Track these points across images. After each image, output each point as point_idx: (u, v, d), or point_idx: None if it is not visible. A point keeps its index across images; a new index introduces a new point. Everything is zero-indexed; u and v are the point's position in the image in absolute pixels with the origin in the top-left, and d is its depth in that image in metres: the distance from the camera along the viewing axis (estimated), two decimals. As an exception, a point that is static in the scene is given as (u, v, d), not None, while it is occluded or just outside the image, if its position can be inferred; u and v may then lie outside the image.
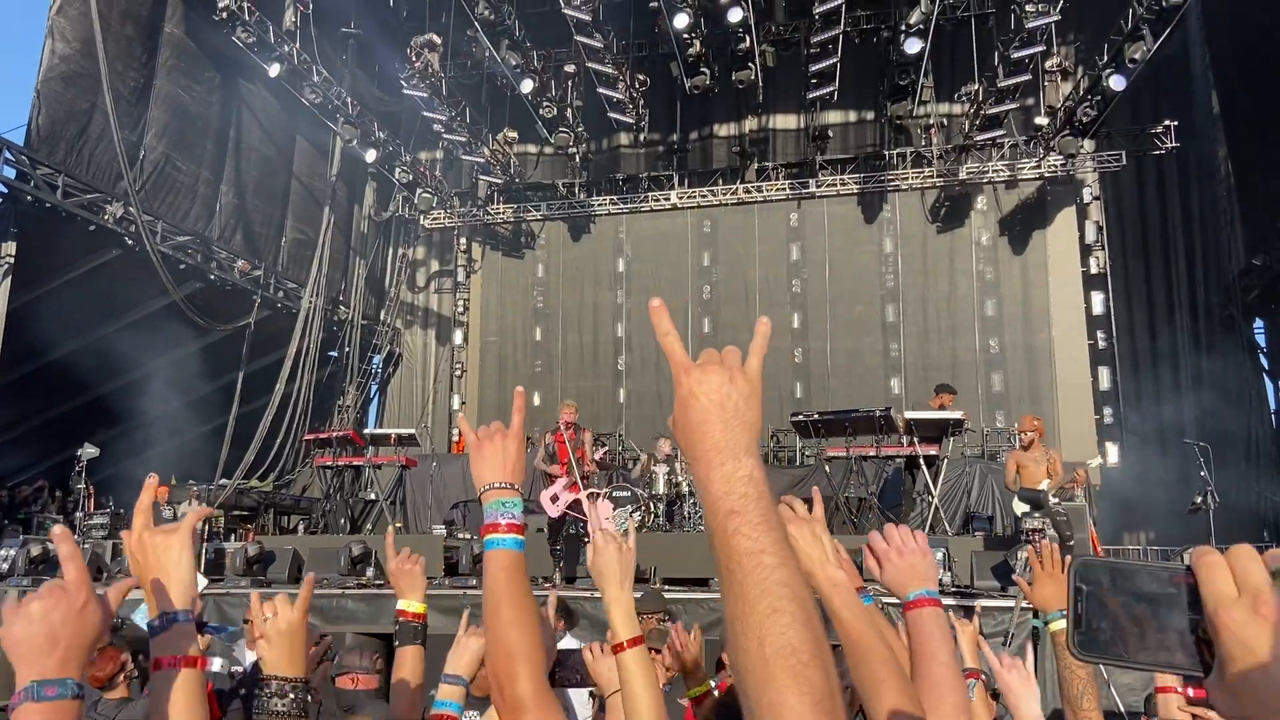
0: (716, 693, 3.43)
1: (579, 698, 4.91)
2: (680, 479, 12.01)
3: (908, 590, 1.75)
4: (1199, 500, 11.02)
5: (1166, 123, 17.30)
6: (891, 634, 1.78)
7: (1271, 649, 0.67)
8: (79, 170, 14.52)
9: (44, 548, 9.37)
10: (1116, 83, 15.18)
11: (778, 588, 0.92)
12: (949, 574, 8.62)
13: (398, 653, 2.50)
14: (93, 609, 1.24)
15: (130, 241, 15.14)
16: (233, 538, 14.93)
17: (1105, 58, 15.52)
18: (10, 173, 13.59)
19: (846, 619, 1.65)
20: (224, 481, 16.17)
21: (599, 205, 20.91)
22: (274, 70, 15.99)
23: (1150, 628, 0.75)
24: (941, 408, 11.90)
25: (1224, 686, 0.70)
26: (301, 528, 16.32)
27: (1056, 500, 9.15)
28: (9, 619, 1.23)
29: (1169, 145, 17.33)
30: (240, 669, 6.01)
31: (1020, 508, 9.50)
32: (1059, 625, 2.36)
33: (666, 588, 8.61)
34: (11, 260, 13.50)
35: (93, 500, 13.88)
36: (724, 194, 20.19)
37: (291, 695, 1.74)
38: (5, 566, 9.16)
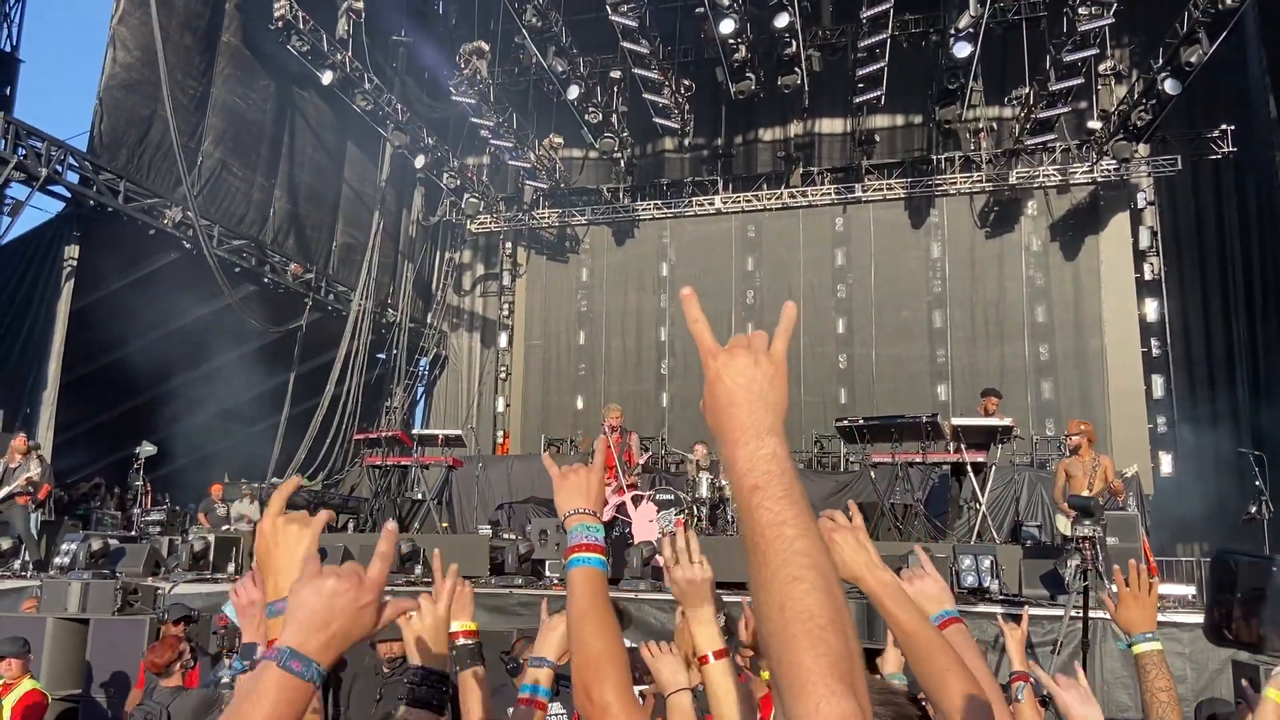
0: None
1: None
2: (723, 483, 12.04)
3: (930, 614, 1.84)
4: (1253, 510, 10.78)
5: (1223, 127, 16.96)
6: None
7: None
8: (139, 176, 14.92)
9: (104, 543, 9.64)
10: (1171, 86, 14.92)
11: (798, 557, 0.96)
12: (996, 582, 8.52)
13: (460, 678, 2.46)
14: (371, 611, 1.25)
15: (188, 245, 15.52)
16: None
17: (1160, 61, 15.26)
18: (74, 178, 14.01)
19: (900, 617, 1.69)
20: (276, 480, 16.47)
21: (643, 210, 20.98)
22: (326, 78, 16.30)
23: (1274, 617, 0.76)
24: (986, 411, 11.76)
25: None
26: (351, 526, 16.58)
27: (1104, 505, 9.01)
28: (307, 579, 1.24)
29: (1225, 150, 16.99)
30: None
31: (1063, 522, 9.36)
32: (1144, 648, 2.30)
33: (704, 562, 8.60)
34: (74, 263, 13.92)
35: (150, 497, 14.22)
36: (769, 199, 20.16)
37: (435, 685, 1.93)
38: (67, 561, 9.42)
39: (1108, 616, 7.43)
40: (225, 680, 5.73)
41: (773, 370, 1.10)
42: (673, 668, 2.21)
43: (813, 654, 0.91)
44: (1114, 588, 2.41)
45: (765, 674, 3.37)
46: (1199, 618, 7.88)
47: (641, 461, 11.07)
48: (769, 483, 1.01)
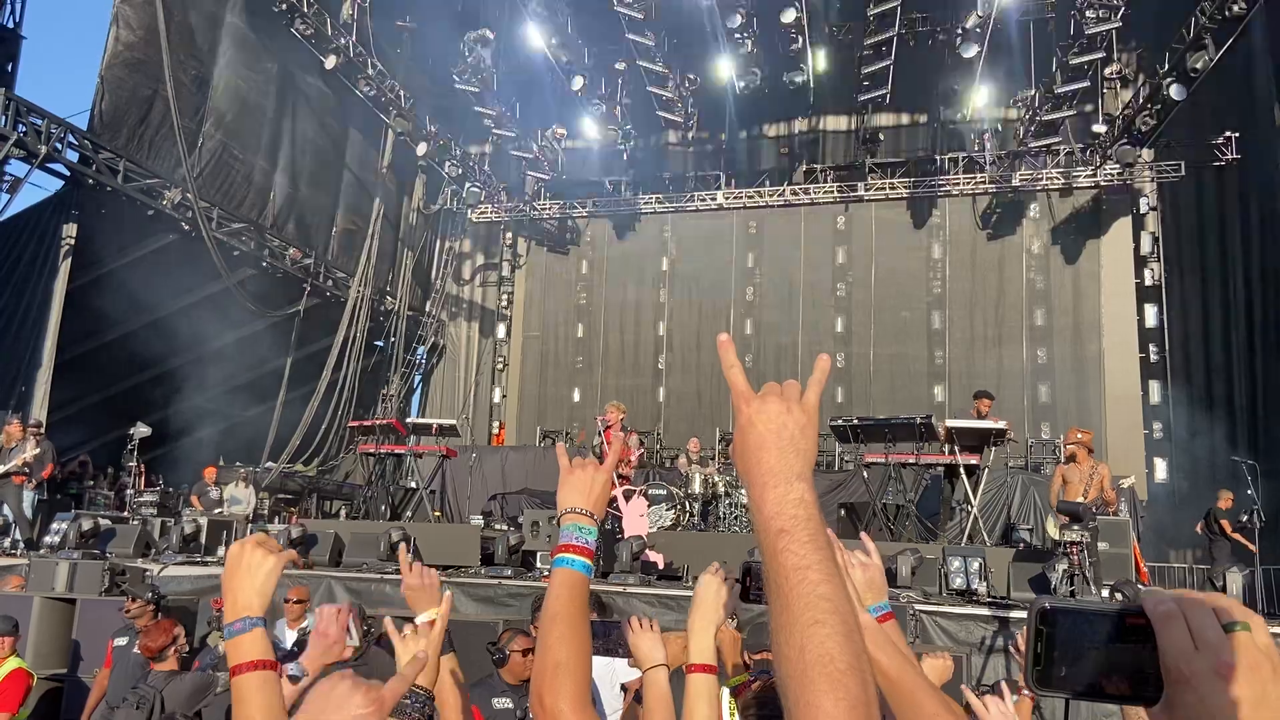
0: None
1: (610, 693, 4.95)
2: (716, 479, 12.03)
3: (868, 605, 1.84)
4: (1245, 519, 10.81)
5: (1227, 134, 16.92)
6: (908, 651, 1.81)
7: (1225, 707, 0.73)
8: (139, 156, 14.87)
9: (95, 522, 9.62)
10: (1177, 92, 14.89)
11: (820, 601, 0.97)
12: (985, 584, 8.52)
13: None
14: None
15: (187, 227, 15.48)
16: (276, 520, 15.20)
17: (1166, 66, 15.22)
18: (73, 156, 13.96)
19: (882, 662, 1.68)
20: (270, 464, 16.48)
21: (645, 203, 20.94)
22: (330, 62, 16.25)
23: (1103, 666, 0.80)
24: (979, 413, 11.75)
25: None
26: (344, 513, 16.59)
27: (1095, 512, 9.00)
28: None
29: (1229, 157, 16.95)
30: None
31: (1053, 526, 9.36)
32: None
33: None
34: (72, 242, 13.87)
35: (143, 478, 14.22)
36: (771, 195, 20.12)
37: (418, 701, 2.01)
38: (57, 540, 9.41)
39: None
40: (222, 675, 5.73)
41: (804, 419, 1.13)
42: (652, 643, 2.22)
43: (832, 698, 0.92)
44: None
45: (730, 682, 3.37)
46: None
47: (635, 457, 11.05)
48: (795, 527, 1.02)
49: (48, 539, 9.69)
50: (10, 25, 13.79)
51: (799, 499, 1.05)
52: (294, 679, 2.13)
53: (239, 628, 1.64)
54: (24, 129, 13.08)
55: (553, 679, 1.58)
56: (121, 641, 5.96)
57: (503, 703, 4.84)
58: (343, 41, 16.38)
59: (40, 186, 14.54)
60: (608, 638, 2.56)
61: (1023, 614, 8.04)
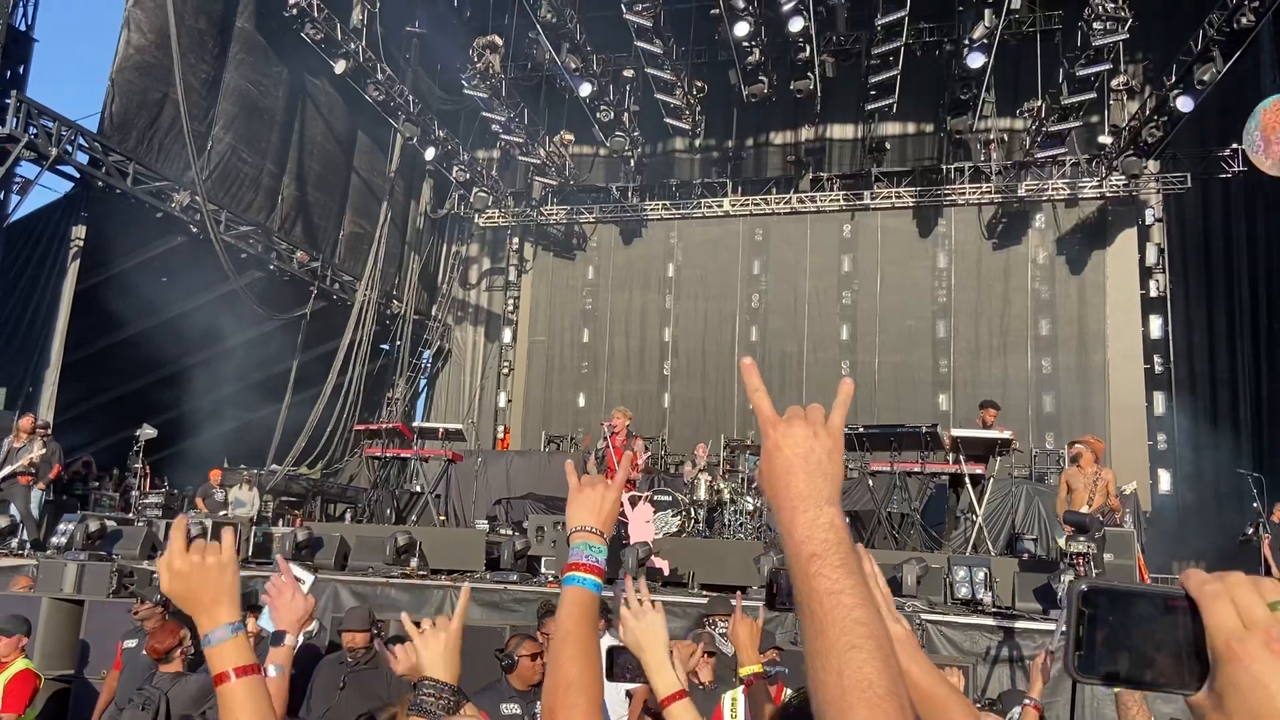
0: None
1: (615, 696, 4.96)
2: (721, 486, 12.04)
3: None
4: (1250, 532, 10.79)
5: (1234, 146, 16.92)
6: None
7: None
8: (149, 158, 14.93)
9: (101, 524, 9.66)
10: (1184, 104, 14.91)
11: (856, 626, 0.96)
12: (990, 594, 8.53)
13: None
14: None
15: (195, 229, 15.53)
16: (280, 523, 15.23)
17: (1173, 78, 15.24)
18: (83, 158, 14.03)
19: (915, 674, 1.68)
20: (275, 467, 16.50)
21: (651, 210, 20.99)
22: (339, 67, 16.30)
23: (1145, 649, 0.79)
24: (985, 423, 11.77)
25: (1220, 709, 0.74)
26: (349, 516, 16.61)
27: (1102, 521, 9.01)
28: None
29: (1236, 169, 16.96)
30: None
31: (1063, 537, 9.35)
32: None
33: (704, 594, 8.63)
34: (81, 243, 13.92)
35: (148, 480, 14.25)
36: (777, 203, 20.16)
37: (443, 696, 1.98)
38: (64, 541, 9.44)
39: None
40: None
41: (831, 443, 1.13)
42: (645, 629, 2.24)
43: None
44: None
45: (744, 670, 3.37)
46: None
47: (641, 462, 11.07)
48: (827, 551, 1.02)
49: (54, 540, 9.72)
50: (22, 28, 13.86)
51: (829, 523, 1.05)
52: (277, 671, 2.09)
53: (218, 636, 1.62)
54: (35, 131, 13.15)
55: (565, 696, 1.59)
56: (131, 644, 5.99)
57: (510, 708, 4.86)
58: (352, 46, 16.44)
59: (50, 188, 14.62)
60: (617, 664, 2.59)
61: (1028, 624, 8.04)
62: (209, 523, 10.74)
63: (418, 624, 2.09)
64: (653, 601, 2.13)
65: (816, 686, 0.96)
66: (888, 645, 0.97)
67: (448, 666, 2.01)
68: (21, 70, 13.79)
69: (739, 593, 4.28)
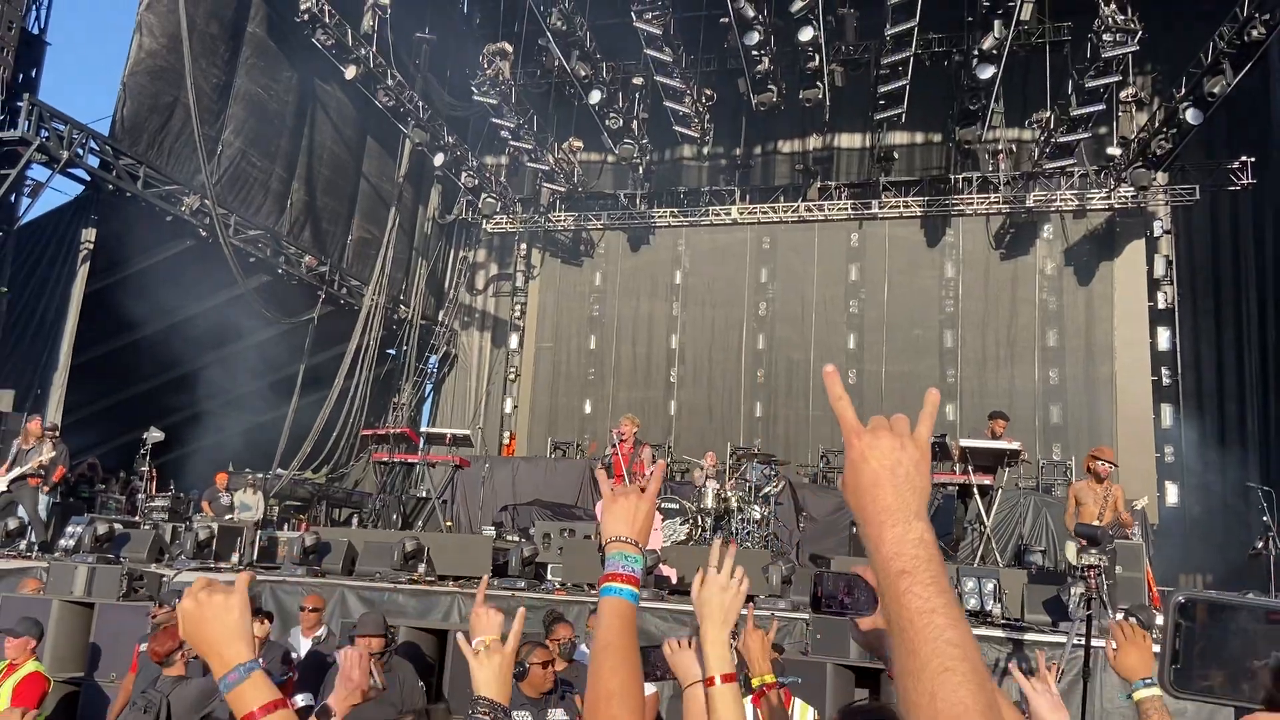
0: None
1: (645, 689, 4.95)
2: (729, 494, 12.02)
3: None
4: (1260, 545, 10.74)
5: (1243, 159, 16.93)
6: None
7: None
8: (159, 162, 14.98)
9: (110, 527, 9.66)
10: (1193, 116, 14.90)
11: (949, 647, 0.95)
12: (999, 606, 8.50)
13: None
14: None
15: (204, 233, 15.57)
16: (285, 527, 15.23)
17: (1183, 90, 15.24)
18: (94, 162, 14.07)
19: (999, 702, 1.67)
20: (280, 471, 16.50)
21: (659, 217, 21.02)
22: (350, 72, 16.36)
23: (1244, 663, 0.76)
24: (994, 434, 11.74)
25: None
26: (355, 521, 16.61)
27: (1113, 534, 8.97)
28: None
29: (1245, 182, 16.95)
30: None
31: (1071, 550, 9.31)
32: (1145, 694, 2.35)
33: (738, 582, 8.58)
34: (91, 246, 13.97)
35: (155, 483, 14.25)
36: (785, 211, 20.18)
37: (494, 715, 1.97)
38: (72, 544, 9.45)
39: (1109, 646, 7.42)
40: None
41: (919, 455, 1.11)
42: (690, 660, 2.22)
43: None
44: (1112, 643, 2.47)
45: (755, 681, 3.34)
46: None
47: (648, 474, 11.03)
48: (917, 568, 1.01)
49: (63, 542, 9.73)
50: (35, 31, 13.92)
51: (919, 538, 1.03)
52: (306, 710, 2.10)
53: (234, 679, 1.55)
54: (46, 134, 13.19)
55: (608, 707, 1.59)
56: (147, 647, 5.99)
57: (522, 715, 4.86)
58: (363, 52, 16.50)
59: (61, 191, 14.71)
60: (648, 662, 2.58)
61: (1037, 637, 8.02)
62: (215, 526, 10.74)
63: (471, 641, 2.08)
64: (738, 575, 2.00)
65: (908, 707, 0.95)
66: (982, 669, 0.96)
67: (501, 687, 2.01)
68: (34, 73, 13.85)
69: (750, 603, 4.26)
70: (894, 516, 1.05)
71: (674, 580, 9.45)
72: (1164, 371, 17.67)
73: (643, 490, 1.78)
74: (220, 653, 1.57)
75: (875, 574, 1.05)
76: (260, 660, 1.62)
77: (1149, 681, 2.36)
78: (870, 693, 6.63)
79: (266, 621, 5.96)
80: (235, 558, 10.50)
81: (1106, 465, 9.33)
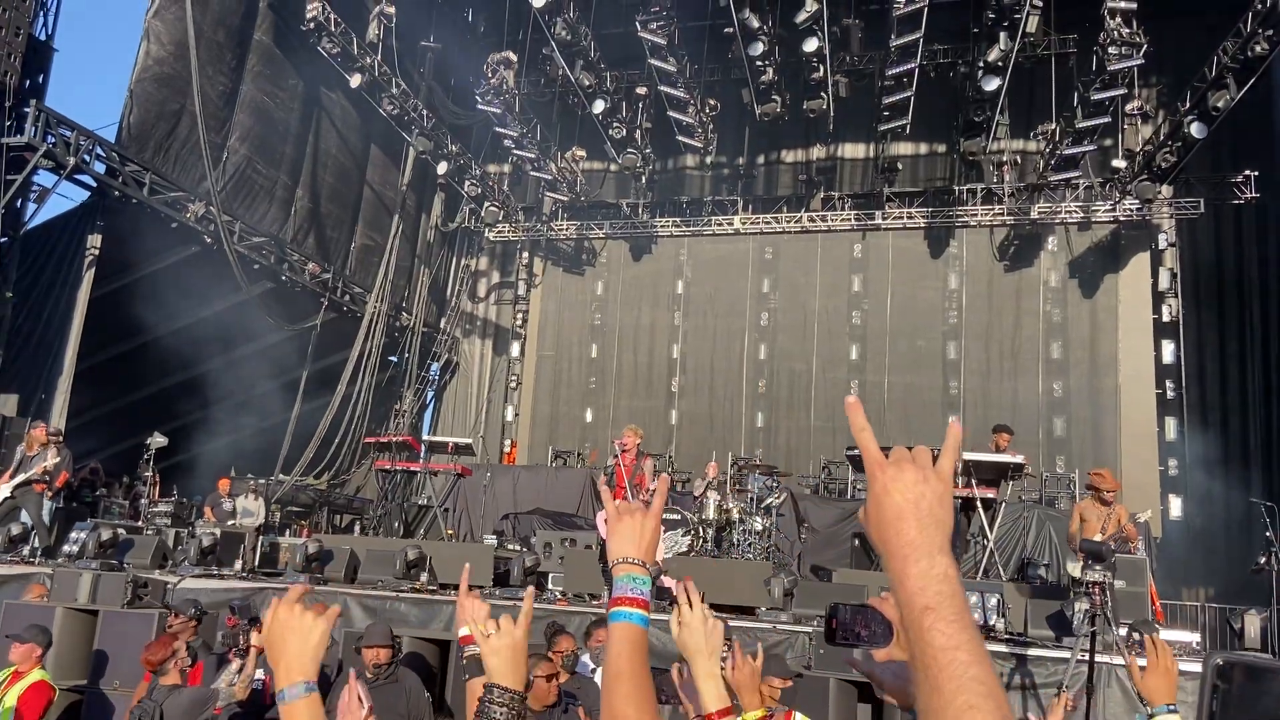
0: None
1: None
2: (730, 505, 11.99)
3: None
4: (1263, 561, 10.71)
5: (1247, 172, 16.95)
6: None
7: None
8: (165, 169, 15.02)
9: (114, 533, 9.66)
10: (1198, 130, 14.92)
11: (973, 684, 0.95)
12: (1002, 620, 8.49)
13: (468, 685, 2.37)
14: None
15: (209, 240, 15.61)
16: (287, 533, 15.24)
17: (1188, 104, 15.27)
18: (100, 168, 14.12)
19: None
20: (283, 477, 16.51)
21: (661, 226, 21.05)
22: (355, 81, 16.40)
23: None
24: (998, 447, 11.73)
25: None
26: (356, 528, 16.61)
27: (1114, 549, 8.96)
28: None
29: (1248, 195, 16.97)
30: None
31: (1074, 565, 9.30)
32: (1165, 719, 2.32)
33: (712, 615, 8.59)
34: (96, 252, 13.99)
35: (158, 488, 14.26)
36: (788, 221, 20.20)
37: (510, 705, 1.88)
38: (76, 549, 9.45)
39: (1114, 661, 7.39)
40: (222, 686, 5.76)
41: (942, 488, 1.10)
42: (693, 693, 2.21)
43: None
44: (1142, 661, 2.41)
45: (748, 716, 3.34)
46: (1199, 667, 7.83)
47: (653, 487, 11.02)
48: (942, 604, 1.00)
49: (66, 548, 9.73)
50: (43, 38, 13.97)
51: (943, 574, 1.03)
52: None
53: (294, 693, 1.63)
54: (53, 140, 13.23)
55: None
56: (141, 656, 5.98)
57: (527, 730, 4.85)
58: (368, 60, 16.55)
59: (67, 197, 14.68)
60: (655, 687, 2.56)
61: (1041, 652, 8.00)
62: (218, 532, 10.75)
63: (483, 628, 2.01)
64: (707, 611, 2.03)
65: None
66: (1006, 706, 0.96)
67: (514, 672, 1.90)
68: (41, 79, 13.90)
69: (733, 640, 4.20)
70: (918, 551, 1.05)
71: (674, 593, 9.42)
72: (1168, 384, 17.66)
73: (647, 506, 1.71)
74: (290, 665, 1.64)
75: (899, 609, 1.04)
76: (316, 683, 1.69)
77: (1172, 708, 2.32)
78: (873, 709, 6.62)
79: (256, 632, 5.96)
80: (238, 564, 10.49)
81: (1110, 493, 9.36)
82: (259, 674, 6.01)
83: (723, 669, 3.42)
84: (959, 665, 0.96)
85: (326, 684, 6.40)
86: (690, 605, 2.00)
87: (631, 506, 1.73)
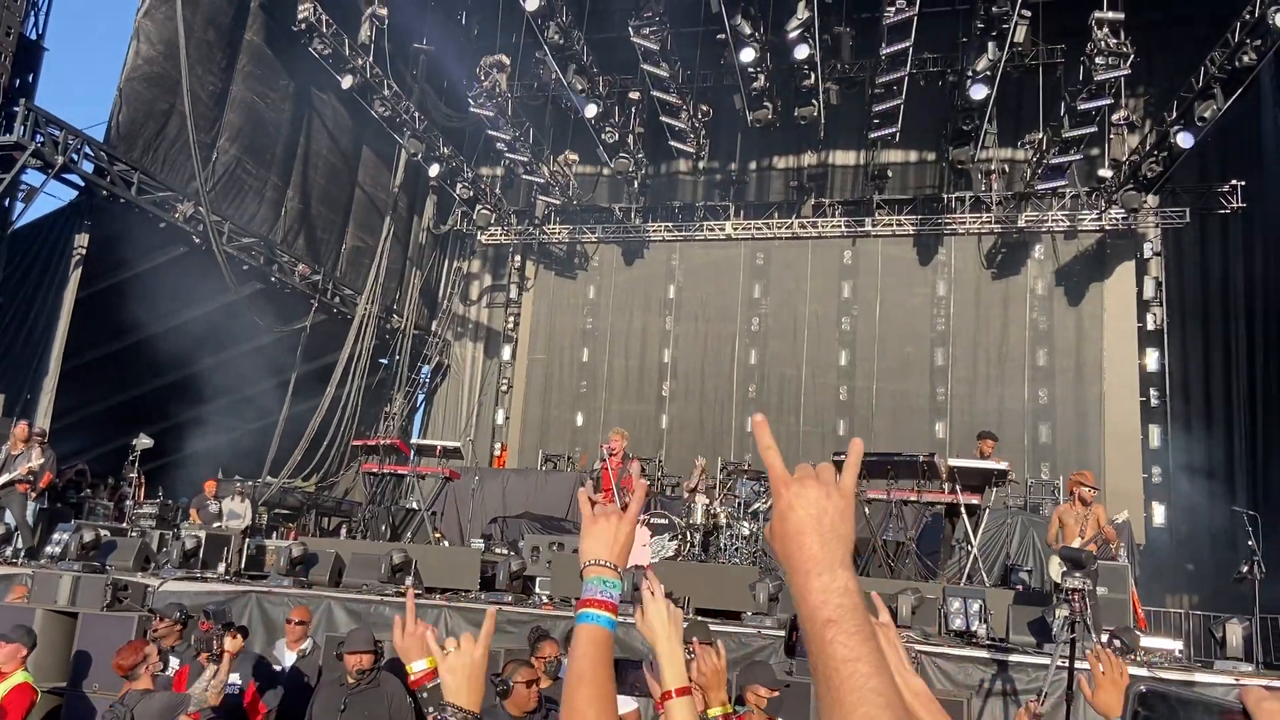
0: None
1: (625, 705, 4.96)
2: (718, 510, 12.04)
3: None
4: (1245, 570, 10.78)
5: (1233, 182, 17.06)
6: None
7: None
8: (154, 168, 14.99)
9: (96, 534, 9.64)
10: (1184, 140, 15.02)
11: (873, 695, 0.97)
12: (984, 626, 8.53)
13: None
14: None
15: (197, 240, 15.58)
16: (274, 535, 15.20)
17: (1174, 114, 15.37)
18: (89, 167, 14.08)
19: None
20: (270, 479, 16.47)
21: (653, 231, 21.08)
22: (347, 82, 16.40)
23: None
24: (982, 454, 11.79)
25: None
26: (344, 531, 16.58)
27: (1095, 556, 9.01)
28: None
29: (1234, 205, 17.08)
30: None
31: (1055, 569, 9.35)
32: None
33: (699, 619, 8.61)
34: (84, 252, 13.96)
35: (143, 490, 14.22)
36: (779, 227, 20.26)
37: None
38: (58, 550, 9.43)
39: (1083, 682, 7.43)
40: (195, 691, 5.76)
41: (844, 504, 1.13)
42: (659, 615, 2.22)
43: None
44: (1090, 670, 2.38)
45: (713, 711, 3.35)
46: (1187, 675, 7.88)
47: (644, 492, 11.06)
48: (843, 617, 1.02)
49: (48, 549, 9.70)
50: (33, 37, 13.94)
51: (844, 588, 1.05)
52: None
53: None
54: (42, 139, 13.21)
55: None
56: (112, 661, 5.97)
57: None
58: (360, 62, 16.55)
59: (55, 196, 14.70)
60: (624, 681, 2.55)
61: (1022, 658, 8.04)
62: (202, 535, 10.73)
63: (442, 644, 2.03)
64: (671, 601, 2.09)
65: None
66: (903, 715, 0.98)
67: (472, 693, 1.92)
68: (31, 79, 13.87)
69: (694, 641, 4.20)
70: (820, 565, 1.06)
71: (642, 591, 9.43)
72: (1152, 392, 17.75)
73: (624, 509, 1.72)
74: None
75: (803, 623, 1.06)
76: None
77: None
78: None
79: (240, 636, 5.97)
80: (222, 567, 10.47)
81: (1090, 490, 9.42)
82: (234, 678, 6.01)
83: (689, 663, 3.43)
84: (860, 677, 0.98)
85: (307, 691, 6.40)
86: (653, 594, 2.01)
87: (608, 510, 1.73)
